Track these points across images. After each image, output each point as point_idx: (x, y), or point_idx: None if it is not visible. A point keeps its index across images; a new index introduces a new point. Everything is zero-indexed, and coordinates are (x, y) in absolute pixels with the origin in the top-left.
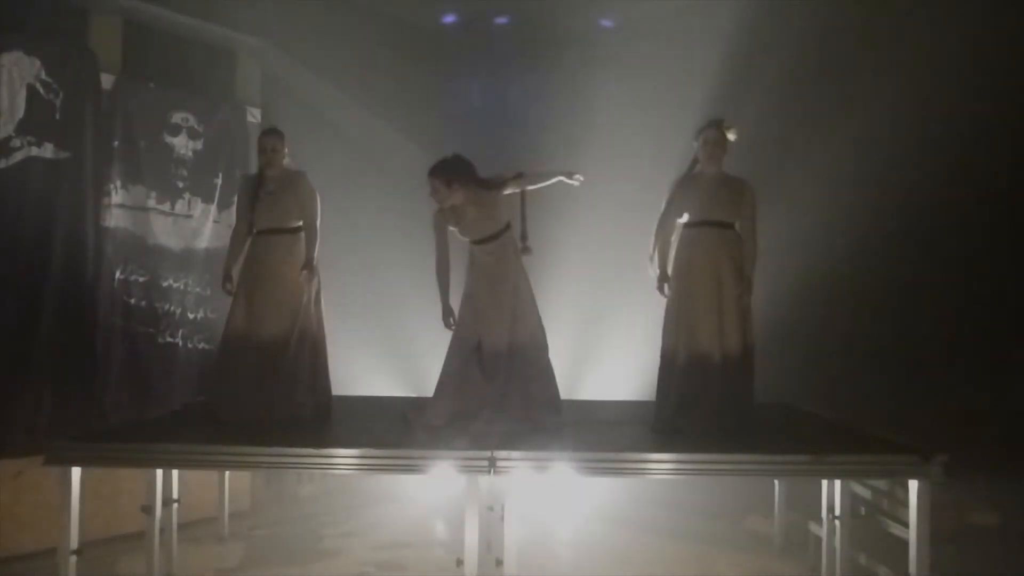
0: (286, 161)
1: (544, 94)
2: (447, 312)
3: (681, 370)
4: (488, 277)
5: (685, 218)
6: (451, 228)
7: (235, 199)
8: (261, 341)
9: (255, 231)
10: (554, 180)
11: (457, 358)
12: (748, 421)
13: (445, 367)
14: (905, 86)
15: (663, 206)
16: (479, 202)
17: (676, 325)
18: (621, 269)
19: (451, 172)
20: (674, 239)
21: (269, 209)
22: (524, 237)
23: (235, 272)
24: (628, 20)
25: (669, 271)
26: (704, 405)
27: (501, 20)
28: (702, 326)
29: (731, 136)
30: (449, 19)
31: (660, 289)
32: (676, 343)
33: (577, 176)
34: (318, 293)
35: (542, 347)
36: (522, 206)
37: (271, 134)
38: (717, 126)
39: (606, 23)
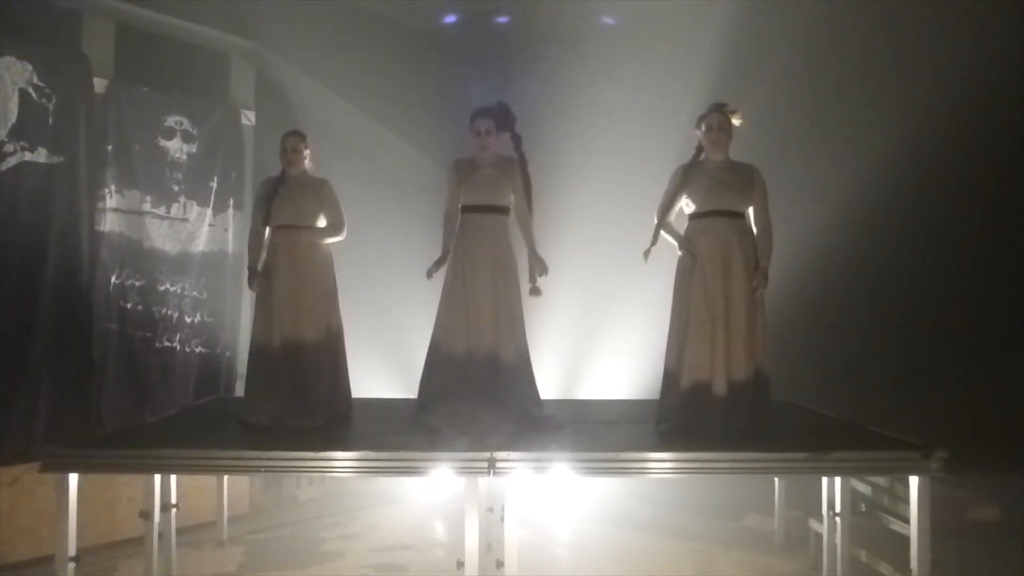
0: (308, 164)
1: (542, 93)
2: (445, 257)
3: (688, 387)
4: (479, 262)
5: (691, 208)
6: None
7: (230, 202)
8: (282, 347)
9: (271, 227)
10: (530, 250)
11: (453, 355)
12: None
13: (440, 366)
14: (909, 82)
15: (664, 195)
16: (500, 165)
17: (681, 335)
18: (620, 268)
19: (502, 120)
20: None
21: (288, 204)
22: (533, 278)
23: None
24: (627, 18)
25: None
26: (718, 416)
27: (499, 20)
28: (711, 336)
29: (736, 121)
30: (446, 20)
31: (688, 251)
32: (681, 359)
33: (538, 287)
34: (334, 294)
35: (526, 359)
36: (529, 245)
37: (293, 134)
38: (720, 110)
39: (607, 20)
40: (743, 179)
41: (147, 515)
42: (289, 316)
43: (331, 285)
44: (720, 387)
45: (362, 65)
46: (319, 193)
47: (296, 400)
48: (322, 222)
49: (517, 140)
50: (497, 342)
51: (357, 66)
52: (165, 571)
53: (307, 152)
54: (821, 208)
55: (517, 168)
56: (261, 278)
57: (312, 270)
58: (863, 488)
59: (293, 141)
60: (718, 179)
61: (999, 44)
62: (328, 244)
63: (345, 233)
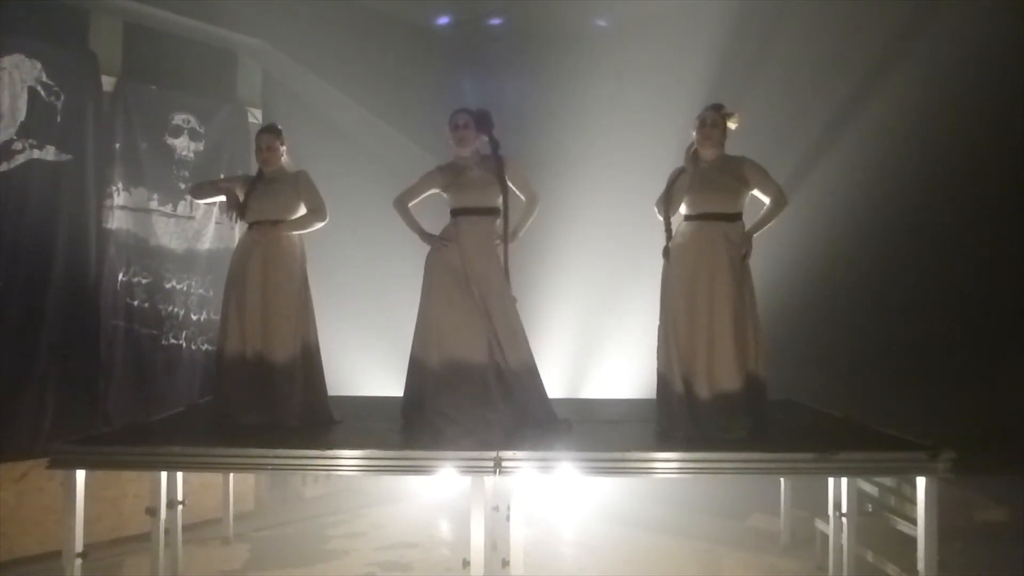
0: (284, 160)
1: (543, 92)
2: (429, 236)
3: (680, 392)
4: (479, 266)
5: (683, 210)
6: (439, 191)
7: None
8: (254, 358)
9: (248, 223)
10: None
11: (469, 364)
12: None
13: (452, 377)
14: (914, 80)
15: (660, 197)
16: (486, 165)
17: (667, 345)
18: (623, 266)
19: (481, 121)
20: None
21: (265, 199)
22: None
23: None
24: (625, 19)
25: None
26: (707, 421)
27: (497, 20)
28: (692, 341)
29: (732, 124)
30: (447, 19)
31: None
32: (670, 366)
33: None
34: (306, 298)
35: (533, 368)
36: (505, 252)
37: (267, 131)
38: (714, 108)
39: (601, 22)
40: (733, 176)
41: (153, 512)
42: (260, 327)
43: (303, 289)
44: (704, 392)
45: (369, 63)
46: (296, 184)
47: (269, 408)
48: (302, 213)
49: (495, 144)
50: (505, 349)
51: (364, 64)
52: (171, 568)
53: (283, 148)
54: (825, 207)
55: (499, 171)
56: (237, 203)
57: (285, 275)
58: (870, 488)
59: (268, 139)
60: (707, 180)
61: (997, 43)
62: (302, 245)
63: (328, 218)
